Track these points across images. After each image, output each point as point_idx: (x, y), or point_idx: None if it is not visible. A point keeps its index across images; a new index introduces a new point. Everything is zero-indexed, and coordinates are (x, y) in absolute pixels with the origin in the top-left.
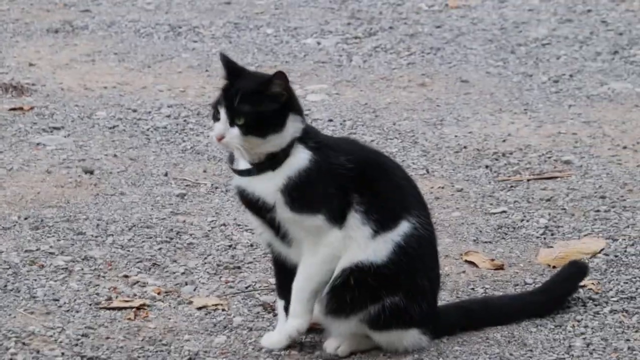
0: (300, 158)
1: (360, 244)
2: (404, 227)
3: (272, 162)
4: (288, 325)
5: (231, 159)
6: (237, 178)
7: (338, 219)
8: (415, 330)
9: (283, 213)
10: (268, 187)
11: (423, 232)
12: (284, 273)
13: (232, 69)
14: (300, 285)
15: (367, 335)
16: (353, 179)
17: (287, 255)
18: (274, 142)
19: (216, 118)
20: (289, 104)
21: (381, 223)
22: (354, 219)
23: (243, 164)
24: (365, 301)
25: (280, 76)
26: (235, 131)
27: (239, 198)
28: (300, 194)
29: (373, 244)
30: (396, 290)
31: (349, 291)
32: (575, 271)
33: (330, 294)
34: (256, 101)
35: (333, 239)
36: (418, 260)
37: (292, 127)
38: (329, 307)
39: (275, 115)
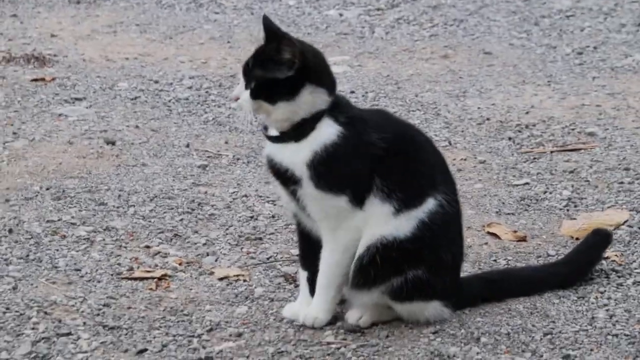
0: (328, 132)
1: (380, 221)
2: (429, 204)
3: (296, 132)
4: (308, 314)
5: (266, 126)
6: (268, 146)
7: (360, 200)
8: (437, 302)
9: (307, 188)
10: (295, 158)
11: (449, 209)
12: (308, 244)
13: (269, 33)
14: (325, 281)
15: (389, 306)
16: (381, 160)
17: (312, 228)
18: (286, 110)
19: None
20: (306, 74)
21: (404, 201)
22: (375, 199)
23: (274, 132)
24: (389, 274)
25: (288, 43)
26: (247, 94)
27: (267, 166)
28: (327, 171)
29: (395, 221)
30: (419, 264)
31: (374, 266)
32: (599, 240)
33: (356, 270)
34: (266, 66)
35: (354, 223)
36: (442, 236)
37: (310, 98)
38: (353, 281)
39: (285, 83)
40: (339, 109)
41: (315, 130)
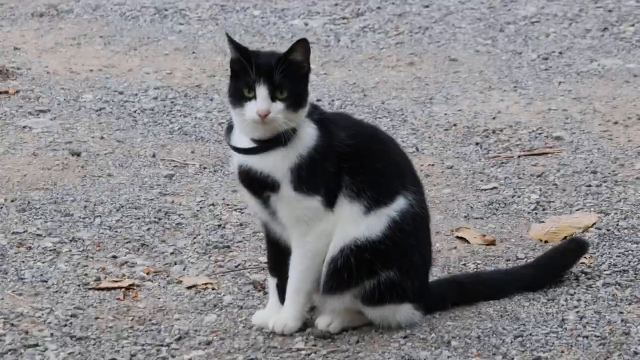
0: (309, 134)
1: (351, 221)
2: (400, 203)
3: (280, 138)
4: (278, 321)
5: (229, 137)
6: (241, 157)
7: (331, 202)
8: (409, 305)
9: (285, 192)
10: (279, 164)
11: (418, 210)
12: (277, 251)
13: (243, 49)
14: (295, 288)
15: (359, 312)
16: (349, 158)
17: (282, 235)
18: (302, 116)
19: (245, 98)
20: (308, 75)
21: (375, 200)
22: (344, 200)
23: (243, 142)
24: (362, 277)
25: (305, 44)
26: (280, 106)
27: (241, 177)
28: (307, 173)
29: (366, 220)
30: (391, 266)
31: (347, 269)
32: (575, 248)
33: (329, 275)
34: (292, 74)
35: (325, 227)
36: (413, 236)
37: (309, 99)
38: (326, 286)
39: (305, 87)
40: (310, 107)
41: (299, 133)
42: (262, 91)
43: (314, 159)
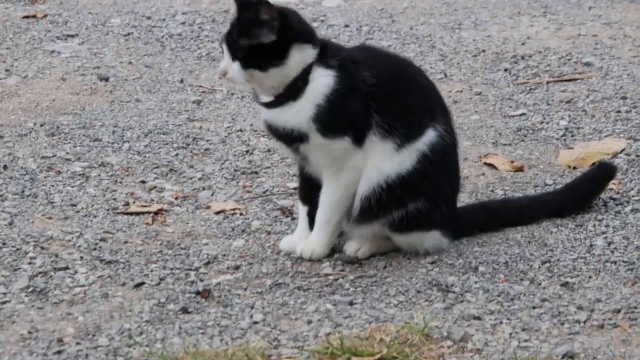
0: (324, 82)
1: (382, 158)
2: (429, 135)
3: (291, 91)
4: (306, 246)
5: (256, 94)
6: (264, 112)
7: (360, 139)
8: (436, 231)
9: (314, 140)
10: (299, 117)
11: (447, 139)
12: (310, 184)
13: (242, 3)
14: (325, 217)
15: (387, 237)
16: (375, 96)
17: (315, 172)
18: (278, 75)
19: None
20: (291, 35)
21: (406, 136)
22: (374, 137)
23: (266, 98)
24: (391, 208)
25: (264, 4)
26: (236, 66)
27: (268, 132)
28: (330, 119)
29: (398, 157)
30: (419, 196)
31: (377, 202)
32: (602, 172)
33: (361, 210)
34: (251, 33)
35: (356, 162)
36: (441, 166)
37: (299, 57)
38: (357, 219)
39: (273, 47)
40: (326, 54)
41: (310, 84)
42: (225, 50)
43: (333, 104)
